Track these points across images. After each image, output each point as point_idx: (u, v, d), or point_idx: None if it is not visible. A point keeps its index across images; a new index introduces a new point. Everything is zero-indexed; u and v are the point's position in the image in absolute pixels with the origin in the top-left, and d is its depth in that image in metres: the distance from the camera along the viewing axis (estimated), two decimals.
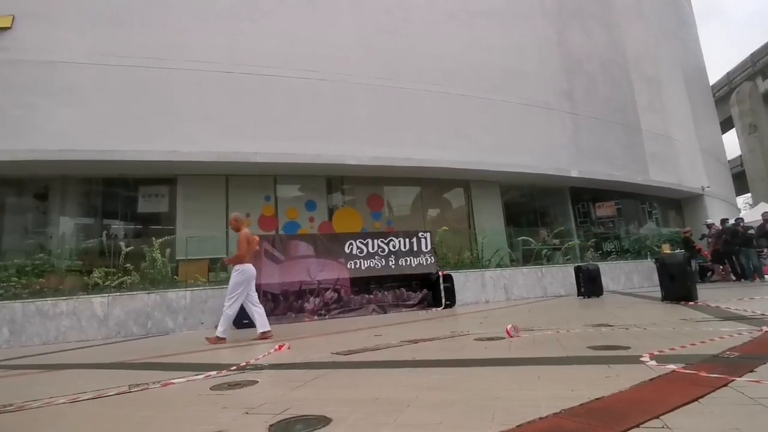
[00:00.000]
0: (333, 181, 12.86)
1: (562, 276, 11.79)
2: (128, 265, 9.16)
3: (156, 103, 10.13)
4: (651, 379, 2.38)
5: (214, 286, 9.04)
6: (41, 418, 2.58)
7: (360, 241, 9.63)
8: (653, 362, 2.78)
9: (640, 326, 4.62)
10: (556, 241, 14.08)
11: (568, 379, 2.56)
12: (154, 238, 9.52)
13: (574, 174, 14.28)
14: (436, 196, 14.36)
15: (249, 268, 6.08)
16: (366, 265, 9.45)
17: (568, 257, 13.64)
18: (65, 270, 9.43)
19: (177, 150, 9.95)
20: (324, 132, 11.17)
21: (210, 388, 3.00)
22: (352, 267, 9.34)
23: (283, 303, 8.70)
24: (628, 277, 13.03)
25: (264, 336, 5.95)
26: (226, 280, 9.49)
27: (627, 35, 18.04)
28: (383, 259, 9.60)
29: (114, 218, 11.31)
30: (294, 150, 10.76)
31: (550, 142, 14.09)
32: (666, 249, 13.05)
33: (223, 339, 5.86)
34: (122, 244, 9.49)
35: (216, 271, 10.19)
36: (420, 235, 10.15)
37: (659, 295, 7.58)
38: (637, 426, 1.68)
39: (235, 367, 3.72)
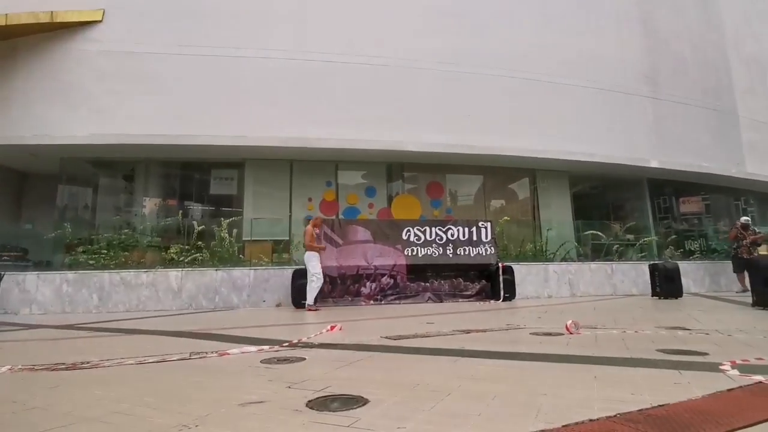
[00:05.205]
0: (393, 168, 12.81)
1: (635, 274, 10.93)
2: (200, 243, 9.79)
3: (227, 90, 10.63)
4: (729, 390, 2.11)
5: (275, 266, 9.42)
6: (110, 375, 2.83)
7: (418, 229, 9.53)
8: (735, 371, 2.47)
9: (724, 332, 4.14)
10: (630, 237, 13.04)
11: (630, 382, 2.34)
12: (222, 219, 10.09)
13: (653, 164, 13.07)
14: (500, 186, 13.83)
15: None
16: (423, 253, 9.35)
17: (643, 254, 12.59)
18: (146, 245, 10.30)
19: (245, 135, 10.39)
20: (386, 118, 11.10)
21: (260, 361, 3.12)
22: (409, 254, 9.28)
23: (341, 286, 8.86)
24: (714, 280, 11.78)
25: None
26: (288, 262, 10.00)
27: (726, 11, 16.08)
28: (441, 248, 9.44)
29: (189, 199, 12.13)
30: (355, 136, 10.83)
31: (627, 129, 12.96)
32: (763, 250, 11.63)
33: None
34: (195, 223, 10.15)
35: (279, 252, 10.60)
36: (480, 224, 9.83)
37: (750, 300, 6.78)
38: None
39: (287, 344, 3.84)
